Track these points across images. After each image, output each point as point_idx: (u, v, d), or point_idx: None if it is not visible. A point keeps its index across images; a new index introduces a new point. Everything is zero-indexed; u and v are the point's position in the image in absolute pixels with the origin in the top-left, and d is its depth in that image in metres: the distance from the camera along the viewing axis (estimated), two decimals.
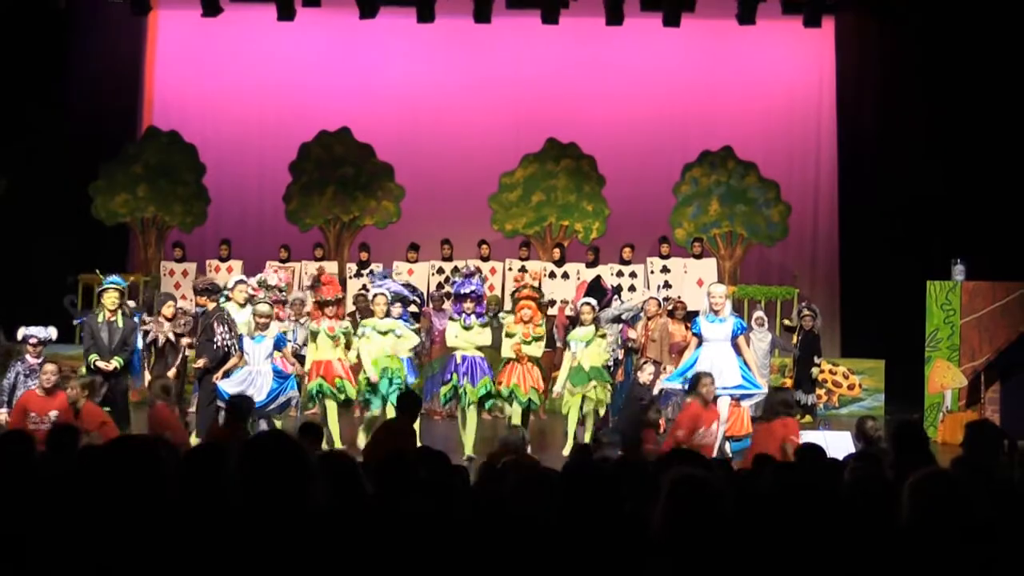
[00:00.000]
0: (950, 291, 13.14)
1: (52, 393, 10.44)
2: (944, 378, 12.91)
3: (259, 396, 11.38)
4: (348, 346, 12.24)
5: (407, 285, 13.60)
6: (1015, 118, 16.49)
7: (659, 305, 13.57)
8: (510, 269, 17.51)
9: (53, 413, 10.16)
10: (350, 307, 15.30)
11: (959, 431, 11.24)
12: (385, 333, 12.05)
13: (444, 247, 17.39)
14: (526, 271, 16.79)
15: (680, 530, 3.72)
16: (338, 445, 11.51)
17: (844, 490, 5.50)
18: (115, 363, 11.75)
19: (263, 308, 12.01)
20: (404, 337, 12.16)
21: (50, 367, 10.75)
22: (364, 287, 14.44)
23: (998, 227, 16.32)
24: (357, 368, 12.15)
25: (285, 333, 12.38)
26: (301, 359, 12.41)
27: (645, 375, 12.13)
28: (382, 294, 12.37)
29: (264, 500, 3.57)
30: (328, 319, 12.22)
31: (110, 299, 12.14)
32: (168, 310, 12.71)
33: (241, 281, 12.92)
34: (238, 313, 12.40)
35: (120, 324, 12.03)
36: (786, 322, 15.97)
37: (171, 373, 12.29)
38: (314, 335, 12.26)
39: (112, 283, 12.36)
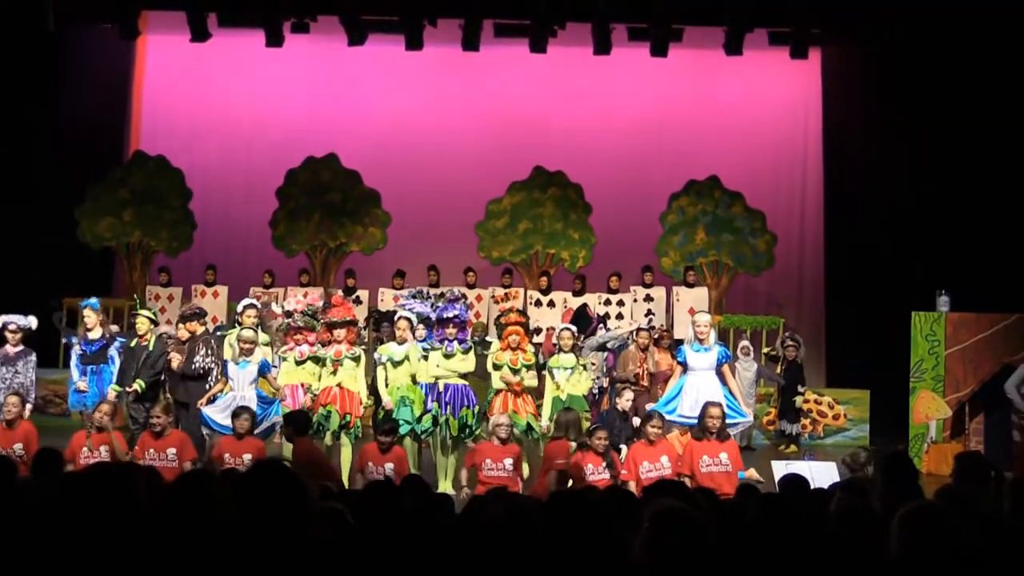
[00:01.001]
0: (935, 322, 13.16)
1: (12, 426, 10.44)
2: (929, 409, 12.92)
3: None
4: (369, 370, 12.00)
5: (450, 299, 12.58)
6: (1001, 149, 16.57)
7: (649, 336, 13.48)
8: (492, 297, 17.36)
9: (18, 446, 10.14)
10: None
11: (944, 462, 11.31)
12: (401, 362, 11.69)
13: (431, 273, 17.33)
14: (507, 296, 16.70)
15: (660, 562, 3.70)
16: None
17: (830, 520, 5.48)
18: (136, 386, 11.69)
19: (247, 334, 11.88)
20: (423, 363, 11.70)
21: (13, 399, 10.71)
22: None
23: (983, 259, 16.37)
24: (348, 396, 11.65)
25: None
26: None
27: (624, 401, 12.10)
28: (405, 317, 12.01)
29: (265, 530, 3.54)
30: (338, 343, 11.76)
31: (142, 324, 12.08)
32: (183, 332, 12.60)
33: (251, 305, 12.74)
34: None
35: (151, 348, 11.98)
36: (770, 352, 15.96)
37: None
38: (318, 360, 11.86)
39: (88, 305, 12.30)
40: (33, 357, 12.10)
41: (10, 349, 11.85)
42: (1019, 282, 15.99)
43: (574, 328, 12.46)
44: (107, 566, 3.51)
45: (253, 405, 11.20)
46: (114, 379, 12.02)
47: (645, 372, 12.88)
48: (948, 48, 16.94)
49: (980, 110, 16.71)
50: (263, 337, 12.30)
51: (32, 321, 12.29)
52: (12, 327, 11.90)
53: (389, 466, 10.23)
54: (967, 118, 16.85)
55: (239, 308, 12.94)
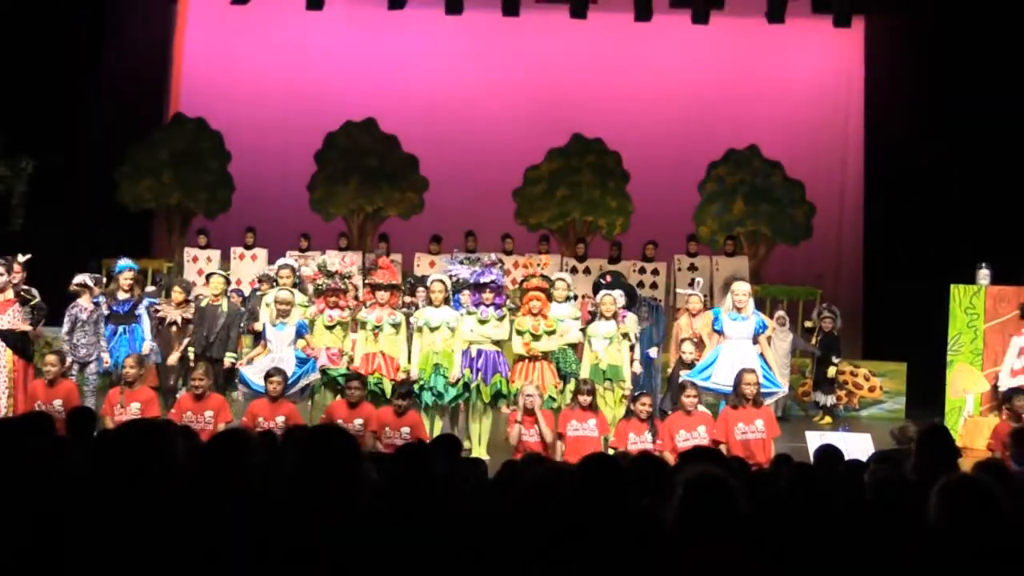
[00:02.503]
0: (974, 295, 13.02)
1: (54, 384, 10.54)
2: (966, 382, 12.80)
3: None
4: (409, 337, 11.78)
5: (488, 264, 12.34)
6: None
7: (701, 301, 13.37)
8: (514, 263, 17.01)
9: (58, 403, 10.23)
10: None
11: (979, 436, 11.21)
12: (436, 328, 11.50)
13: (468, 240, 17.25)
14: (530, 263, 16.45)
15: (692, 528, 3.69)
16: None
17: (864, 491, 5.46)
18: (229, 360, 11.95)
19: (283, 295, 11.87)
20: (457, 330, 11.51)
21: (51, 358, 10.82)
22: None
23: None
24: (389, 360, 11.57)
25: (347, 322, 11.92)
26: None
27: (687, 355, 12.07)
28: (439, 280, 11.85)
29: (318, 492, 3.56)
30: (380, 306, 11.62)
31: (216, 284, 12.42)
32: (178, 295, 12.71)
33: (285, 265, 12.74)
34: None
35: (225, 309, 12.24)
36: (806, 324, 15.87)
37: (173, 357, 12.35)
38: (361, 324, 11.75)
39: (127, 267, 12.41)
40: (102, 314, 12.24)
41: (86, 305, 12.02)
42: None
43: (616, 294, 12.27)
44: (143, 522, 3.53)
45: (291, 366, 11.22)
46: (147, 335, 12.20)
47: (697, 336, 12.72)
48: (993, 17, 16.77)
49: (1021, 76, 16.52)
50: (300, 298, 12.26)
51: (91, 281, 12.45)
52: (77, 286, 12.07)
53: (406, 430, 10.26)
54: (1011, 88, 16.68)
55: (275, 268, 12.98)
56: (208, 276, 12.81)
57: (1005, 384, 11.94)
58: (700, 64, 19.96)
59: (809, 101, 20.08)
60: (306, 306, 12.22)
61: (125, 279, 12.48)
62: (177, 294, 12.72)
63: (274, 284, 12.62)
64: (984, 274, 13.24)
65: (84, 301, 12.04)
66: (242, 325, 12.49)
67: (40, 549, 3.54)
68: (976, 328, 12.93)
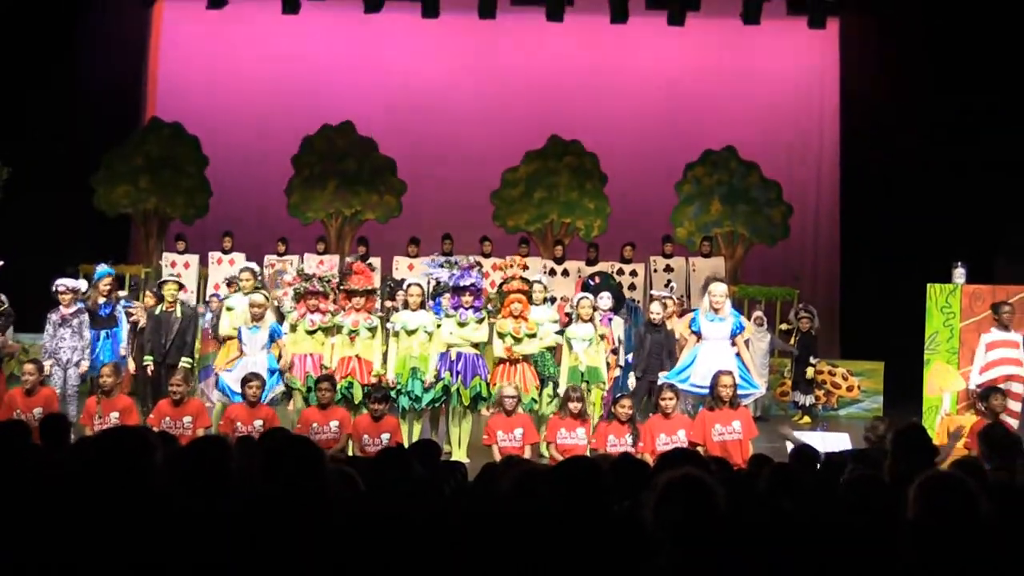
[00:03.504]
0: (950, 294, 13.07)
1: (32, 392, 10.51)
2: (943, 381, 12.83)
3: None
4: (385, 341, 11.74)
5: (466, 267, 12.30)
6: (1019, 122, 16.49)
7: (675, 304, 13.39)
8: (492, 265, 16.74)
9: (37, 411, 10.20)
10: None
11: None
12: (413, 331, 11.47)
13: (445, 242, 17.22)
14: (527, 267, 16.34)
15: (672, 529, 3.70)
16: None
17: (841, 490, 5.48)
18: (185, 364, 12.02)
19: (257, 298, 11.83)
20: (435, 333, 11.46)
21: (29, 367, 10.80)
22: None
23: (999, 231, 16.33)
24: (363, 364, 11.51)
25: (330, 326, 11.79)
26: None
27: (655, 315, 12.28)
28: (416, 284, 11.86)
29: (284, 494, 3.57)
30: (356, 311, 11.57)
31: (169, 290, 12.54)
32: (149, 299, 12.73)
33: (246, 268, 12.73)
34: (242, 300, 12.07)
35: (179, 315, 12.37)
36: (783, 325, 15.89)
37: (131, 366, 12.58)
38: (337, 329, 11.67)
39: (106, 273, 12.43)
40: (86, 317, 12.24)
41: (64, 310, 12.02)
42: None
43: (592, 297, 12.30)
44: (123, 530, 3.53)
45: (264, 370, 11.18)
46: (124, 339, 12.25)
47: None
48: (966, 18, 16.86)
49: (998, 79, 16.62)
50: (261, 298, 12.11)
51: (82, 283, 12.48)
52: (62, 288, 12.10)
53: (385, 436, 10.22)
54: (984, 88, 16.77)
55: (237, 271, 12.98)
56: (160, 283, 12.78)
57: (975, 382, 12.00)
58: (676, 65, 20.00)
59: (785, 102, 20.15)
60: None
61: (104, 285, 12.54)
62: (148, 297, 12.72)
63: (238, 288, 12.57)
64: (960, 273, 13.30)
65: (64, 305, 12.05)
66: (206, 328, 12.49)
67: (20, 556, 3.54)
68: (952, 327, 12.98)
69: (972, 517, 3.88)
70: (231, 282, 13.60)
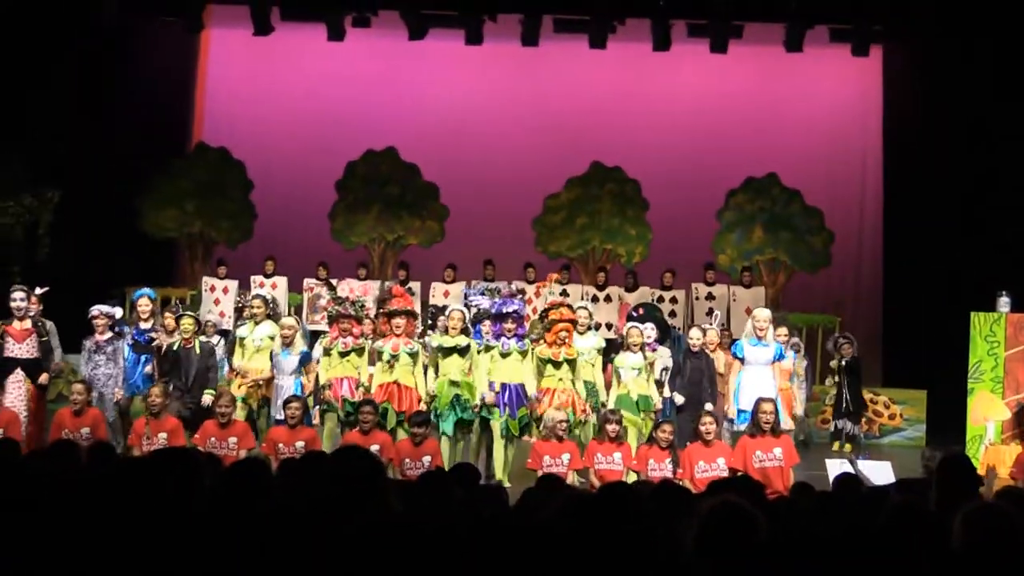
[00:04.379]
0: (995, 323, 12.97)
1: (81, 413, 10.60)
2: (987, 410, 12.72)
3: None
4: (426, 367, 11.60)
5: (508, 295, 12.25)
6: None
7: (718, 335, 13.28)
8: (551, 292, 16.83)
9: (85, 431, 10.28)
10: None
11: (1001, 463, 11.14)
12: (451, 350, 11.38)
13: (487, 268, 17.23)
14: (567, 294, 16.29)
15: (712, 556, 3.68)
16: None
17: (884, 518, 5.44)
18: (208, 397, 11.58)
19: (288, 321, 11.89)
20: (475, 359, 11.36)
21: (77, 387, 10.89)
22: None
23: None
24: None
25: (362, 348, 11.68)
26: None
27: (694, 341, 12.25)
28: (459, 310, 11.75)
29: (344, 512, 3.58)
30: (396, 336, 11.41)
31: (187, 326, 12.01)
32: (169, 319, 12.59)
33: (257, 296, 12.63)
34: (255, 329, 12.08)
35: (198, 351, 11.95)
36: (831, 365, 15.54)
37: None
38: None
39: (143, 294, 12.46)
40: (121, 344, 12.23)
41: (99, 337, 12.06)
42: None
43: (642, 326, 12.17)
44: (170, 548, 3.55)
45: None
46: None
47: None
48: (1009, 44, 16.77)
49: None
50: (273, 329, 12.03)
51: (117, 310, 12.53)
52: (96, 314, 12.16)
53: (426, 459, 10.20)
54: None
55: (248, 298, 12.92)
56: (178, 319, 12.62)
57: None
58: (718, 92, 19.95)
59: (828, 129, 20.07)
60: (272, 338, 11.99)
61: (144, 307, 12.54)
62: (168, 318, 12.61)
63: (251, 314, 12.38)
64: (1004, 302, 13.19)
65: (98, 332, 12.11)
66: (222, 357, 12.44)
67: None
68: (997, 356, 12.87)
69: (1018, 549, 3.84)
70: (242, 309, 13.47)
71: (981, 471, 12.19)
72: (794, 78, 19.78)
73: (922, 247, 17.89)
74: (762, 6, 17.80)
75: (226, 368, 12.57)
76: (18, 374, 11.55)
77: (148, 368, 12.25)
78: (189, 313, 12.58)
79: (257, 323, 12.09)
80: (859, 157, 20.13)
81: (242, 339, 12.07)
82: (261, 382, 11.81)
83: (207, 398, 11.59)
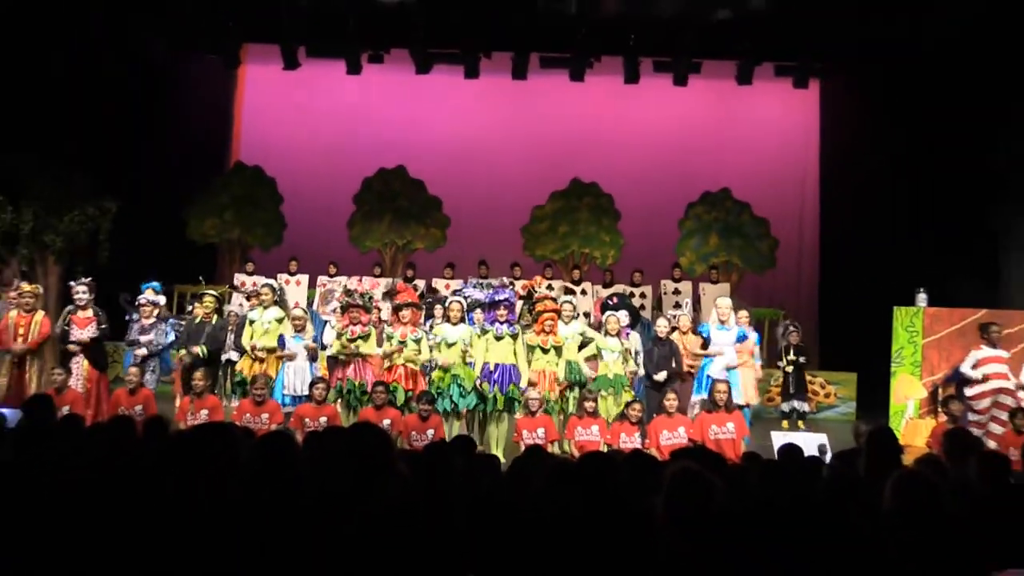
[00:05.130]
0: (914, 316, 13.00)
1: (135, 392, 10.57)
2: (908, 390, 12.75)
3: (300, 390, 11.32)
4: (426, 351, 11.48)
5: (500, 286, 12.17)
6: (970, 168, 16.45)
7: (690, 320, 13.27)
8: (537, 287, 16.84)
9: (138, 408, 10.25)
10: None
11: (918, 435, 11.17)
12: (453, 344, 11.26)
13: (481, 268, 17.21)
14: (552, 288, 16.21)
15: (678, 517, 3.66)
16: None
17: (822, 484, 5.43)
18: (199, 350, 12.18)
19: (297, 312, 11.89)
20: (473, 344, 11.26)
21: (133, 370, 10.88)
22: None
23: (957, 262, 16.24)
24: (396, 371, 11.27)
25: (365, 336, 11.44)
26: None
27: (660, 329, 12.24)
28: (457, 300, 11.68)
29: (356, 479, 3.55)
30: (404, 324, 11.38)
31: (208, 302, 12.66)
32: (199, 308, 12.85)
33: (266, 284, 12.45)
34: (263, 313, 11.93)
35: (213, 322, 12.44)
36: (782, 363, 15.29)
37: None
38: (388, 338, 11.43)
39: (150, 287, 12.45)
40: (164, 325, 12.28)
41: (145, 321, 12.07)
42: (987, 283, 15.86)
43: (619, 314, 12.15)
44: (211, 511, 3.52)
45: (307, 373, 11.28)
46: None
47: (688, 353, 12.68)
48: (931, 80, 16.86)
49: (955, 130, 16.61)
50: (279, 313, 11.93)
51: (161, 298, 12.49)
52: (144, 302, 12.16)
53: (430, 432, 10.17)
54: (944, 138, 16.77)
55: (258, 286, 12.92)
56: (200, 295, 12.74)
57: (969, 393, 11.79)
58: (680, 119, 20.01)
59: (773, 151, 20.12)
60: (280, 321, 11.88)
61: (207, 301, 12.78)
62: (199, 307, 12.77)
63: (259, 302, 12.28)
64: (922, 298, 13.23)
65: (144, 317, 12.15)
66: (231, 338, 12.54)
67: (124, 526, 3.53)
68: (916, 344, 12.90)
69: (938, 508, 3.83)
70: (253, 296, 13.45)
71: (903, 442, 12.22)
72: (744, 107, 19.81)
73: (852, 251, 17.93)
74: (717, 45, 17.81)
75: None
76: (80, 358, 11.51)
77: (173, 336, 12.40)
78: (211, 293, 12.62)
79: (265, 308, 11.98)
80: (799, 175, 20.16)
81: (252, 321, 11.93)
82: (265, 353, 11.67)
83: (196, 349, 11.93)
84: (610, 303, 13.38)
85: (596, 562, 3.51)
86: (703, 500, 3.64)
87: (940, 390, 12.55)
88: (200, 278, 15.16)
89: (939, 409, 11.66)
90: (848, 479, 5.29)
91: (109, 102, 16.73)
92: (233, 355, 12.37)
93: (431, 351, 11.43)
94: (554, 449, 10.34)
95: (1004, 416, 11.25)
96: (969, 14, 15.37)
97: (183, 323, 12.98)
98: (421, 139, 19.98)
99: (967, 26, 15.70)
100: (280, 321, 11.85)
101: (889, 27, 16.14)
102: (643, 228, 18.56)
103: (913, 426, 11.76)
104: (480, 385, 11.12)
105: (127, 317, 12.67)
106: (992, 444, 10.31)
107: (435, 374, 11.30)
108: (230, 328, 12.58)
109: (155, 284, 12.63)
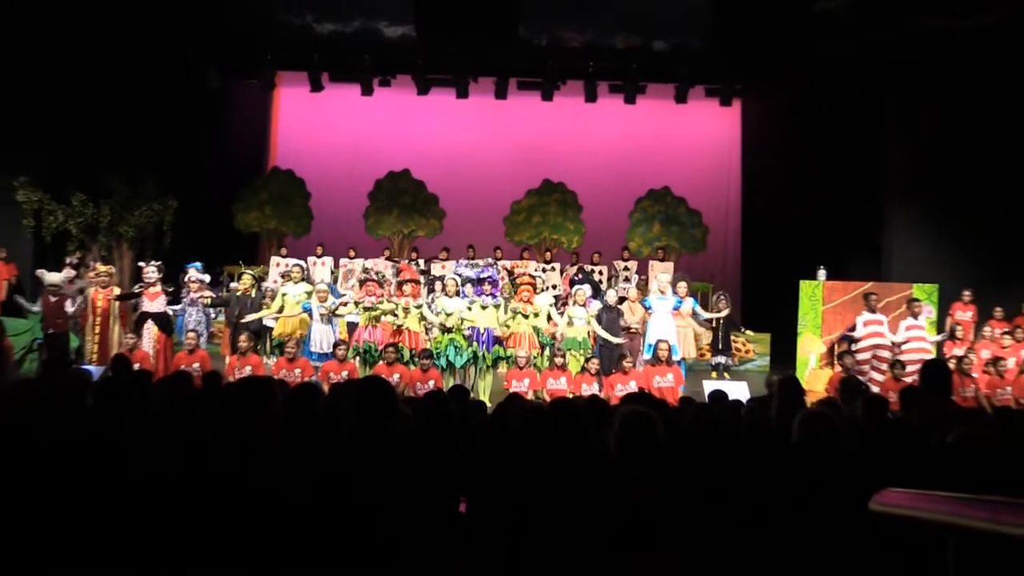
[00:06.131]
0: (815, 287, 13.06)
1: (192, 352, 10.54)
2: (810, 347, 12.84)
3: (325, 348, 11.30)
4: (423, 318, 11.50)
5: (487, 265, 12.36)
6: (860, 168, 16.55)
7: (637, 291, 13.29)
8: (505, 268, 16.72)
9: (196, 366, 10.23)
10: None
11: (819, 383, 11.25)
12: (451, 314, 11.25)
13: (469, 250, 17.18)
14: (531, 268, 16.35)
15: (627, 448, 3.68)
16: None
17: (742, 422, 5.47)
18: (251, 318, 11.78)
19: (322, 286, 11.88)
20: (472, 312, 11.27)
21: (191, 334, 10.81)
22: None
23: (849, 244, 16.37)
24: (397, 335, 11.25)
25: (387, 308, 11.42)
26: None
27: (609, 299, 12.25)
28: (452, 278, 11.74)
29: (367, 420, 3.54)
30: (406, 296, 11.42)
31: (245, 280, 12.28)
32: (240, 284, 12.49)
33: (296, 265, 12.51)
34: (293, 288, 11.95)
35: (252, 295, 12.13)
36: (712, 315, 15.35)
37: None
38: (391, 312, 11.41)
39: (192, 266, 12.34)
40: (208, 295, 12.19)
41: (192, 295, 11.98)
42: (873, 261, 15.98)
43: (587, 287, 12.20)
44: (258, 444, 3.52)
45: (329, 336, 11.27)
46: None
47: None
48: (826, 96, 16.95)
49: (844, 142, 16.77)
50: (307, 287, 11.95)
51: (206, 276, 12.39)
52: (193, 278, 12.07)
53: (430, 383, 10.20)
54: (836, 146, 16.94)
55: (290, 266, 12.88)
56: (240, 275, 12.60)
57: (855, 347, 11.83)
58: (630, 131, 19.99)
59: (704, 156, 20.14)
60: (308, 295, 11.88)
61: (245, 279, 12.57)
62: (242, 283, 12.52)
63: (290, 278, 12.30)
64: (822, 273, 13.31)
65: (192, 291, 12.06)
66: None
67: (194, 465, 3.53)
68: (817, 310, 12.97)
69: (835, 439, 3.86)
70: (285, 275, 13.38)
71: (806, 388, 12.31)
72: (681, 121, 19.83)
73: (767, 236, 18.01)
74: (659, 72, 17.92)
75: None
76: (150, 324, 11.47)
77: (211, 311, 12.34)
78: (248, 272, 12.56)
79: (295, 283, 12.02)
80: (725, 175, 20.19)
81: (284, 294, 11.95)
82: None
83: (255, 316, 11.73)
84: (576, 279, 13.44)
85: (563, 483, 3.54)
86: (647, 434, 3.66)
87: (836, 347, 12.64)
88: (240, 261, 15.07)
89: (835, 362, 11.74)
90: (763, 418, 5.32)
91: (172, 119, 16.68)
92: (270, 322, 12.32)
93: (435, 315, 11.46)
94: (531, 396, 10.37)
95: (883, 367, 11.38)
96: (842, 51, 15.52)
97: (225, 296, 12.86)
98: (422, 148, 19.88)
99: (847, 56, 15.86)
100: (309, 294, 11.86)
101: (791, 58, 16.26)
102: (600, 218, 18.54)
103: (814, 376, 11.83)
104: (472, 345, 11.13)
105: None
106: (875, 389, 10.40)
107: (435, 338, 11.34)
108: (264, 301, 12.49)
109: (197, 264, 12.55)
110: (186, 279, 12.30)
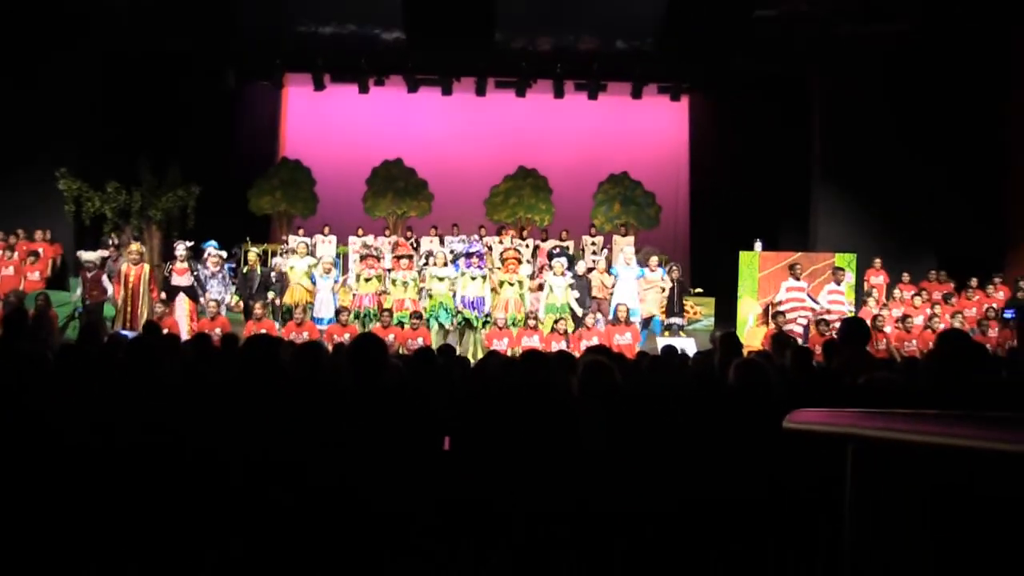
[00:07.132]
0: (753, 258, 13.12)
1: (214, 319, 10.42)
2: (748, 309, 12.91)
3: (327, 314, 11.24)
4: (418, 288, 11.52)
5: (474, 241, 12.46)
6: (790, 155, 16.57)
7: (605, 263, 13.28)
8: (499, 243, 16.65)
9: (217, 330, 10.14)
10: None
11: (756, 339, 11.33)
12: (442, 279, 11.31)
13: (454, 228, 17.11)
14: (513, 242, 16.26)
15: (588, 393, 3.69)
16: None
17: (689, 372, 5.49)
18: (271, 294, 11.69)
19: (327, 259, 11.83)
20: (460, 282, 11.26)
21: (212, 304, 10.65)
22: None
23: (781, 219, 16.44)
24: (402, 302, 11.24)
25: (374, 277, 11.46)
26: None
27: (579, 270, 12.21)
28: (443, 252, 11.83)
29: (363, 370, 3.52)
30: (402, 269, 11.41)
31: (252, 256, 12.22)
32: (255, 258, 12.36)
33: (301, 242, 12.51)
34: (299, 261, 11.93)
35: (258, 272, 12.00)
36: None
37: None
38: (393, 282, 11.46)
39: (210, 244, 12.14)
40: (226, 269, 11.99)
41: (212, 268, 11.79)
42: (801, 234, 16.07)
43: (564, 260, 12.19)
44: (264, 398, 3.50)
45: (331, 304, 11.22)
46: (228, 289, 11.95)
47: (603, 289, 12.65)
48: (766, 94, 16.92)
49: (777, 133, 16.72)
50: (312, 261, 11.92)
51: (223, 252, 12.24)
52: (213, 253, 11.90)
53: (420, 340, 10.18)
54: (770, 137, 16.91)
55: (296, 243, 12.81)
56: (246, 252, 12.51)
57: (779, 310, 11.86)
58: (593, 124, 19.91)
59: (657, 145, 20.10)
60: (314, 266, 11.86)
61: (252, 255, 12.39)
62: (254, 256, 12.39)
63: (295, 252, 12.25)
64: (758, 245, 13.36)
65: (213, 265, 11.84)
66: (272, 283, 12.08)
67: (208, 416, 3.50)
68: (754, 277, 13.03)
69: (767, 384, 3.88)
70: (291, 250, 13.24)
71: (744, 343, 12.38)
72: (637, 115, 19.75)
73: (712, 213, 18.10)
74: (618, 71, 17.83)
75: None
76: (181, 296, 11.38)
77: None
78: (254, 250, 12.42)
79: (301, 257, 12.01)
80: (675, 161, 20.16)
81: (292, 267, 11.92)
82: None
83: (270, 295, 11.66)
84: (554, 252, 13.42)
85: (533, 423, 3.54)
86: (606, 380, 3.67)
87: (769, 308, 12.73)
88: (247, 239, 14.94)
89: (768, 321, 11.81)
90: (707, 368, 5.34)
91: (194, 116, 16.59)
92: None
93: (428, 280, 11.49)
94: (509, 353, 10.38)
95: (803, 323, 11.51)
96: (775, 52, 15.49)
97: (237, 271, 12.73)
98: (412, 139, 19.69)
99: (781, 57, 15.84)
100: (313, 266, 11.85)
101: (732, 59, 16.20)
102: (568, 199, 18.49)
103: (751, 333, 11.91)
104: (461, 311, 11.17)
105: (193, 272, 12.23)
106: (800, 343, 10.47)
107: (428, 303, 11.34)
108: (273, 274, 12.37)
109: (214, 243, 12.41)
110: (205, 255, 12.16)
